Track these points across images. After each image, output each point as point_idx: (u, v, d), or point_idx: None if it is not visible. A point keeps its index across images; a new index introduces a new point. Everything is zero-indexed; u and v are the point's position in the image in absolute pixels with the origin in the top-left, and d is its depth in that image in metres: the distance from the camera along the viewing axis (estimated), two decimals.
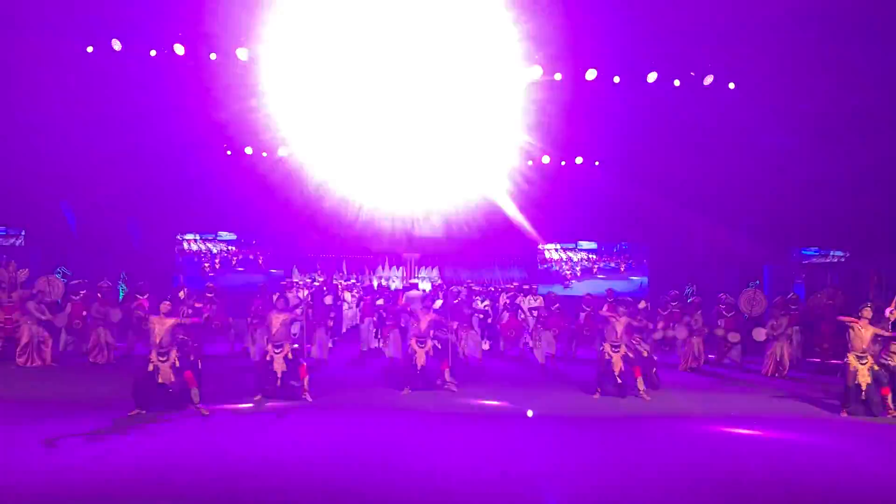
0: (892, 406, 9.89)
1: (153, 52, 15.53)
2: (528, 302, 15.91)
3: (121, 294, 21.80)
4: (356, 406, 9.93)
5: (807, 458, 7.69)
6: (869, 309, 10.27)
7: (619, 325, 11.24)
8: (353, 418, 9.19)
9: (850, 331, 10.17)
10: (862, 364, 9.95)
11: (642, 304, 13.38)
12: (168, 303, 9.72)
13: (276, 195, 27.49)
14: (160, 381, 9.03)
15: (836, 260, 22.66)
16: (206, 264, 28.28)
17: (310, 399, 10.26)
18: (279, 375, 10.18)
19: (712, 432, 8.83)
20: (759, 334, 13.79)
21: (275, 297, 11.57)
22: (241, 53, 15.73)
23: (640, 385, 11.14)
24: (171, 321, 9.37)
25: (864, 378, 9.87)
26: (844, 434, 8.85)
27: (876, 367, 9.95)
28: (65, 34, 14.80)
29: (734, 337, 14.40)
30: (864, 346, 10.00)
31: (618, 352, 11.08)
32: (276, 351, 10.28)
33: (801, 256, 24.46)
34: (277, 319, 10.45)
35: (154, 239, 27.31)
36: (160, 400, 9.12)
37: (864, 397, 9.89)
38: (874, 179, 20.44)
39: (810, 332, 15.11)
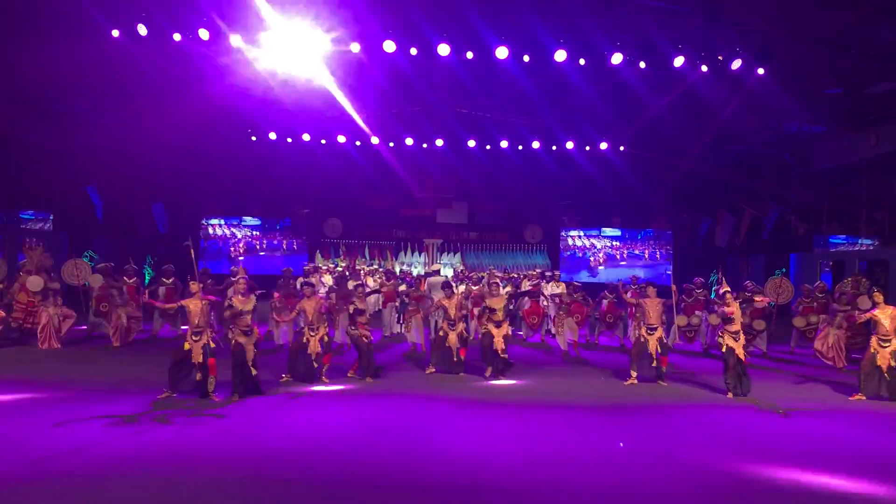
0: None
1: (177, 37, 15.57)
2: (550, 288, 15.87)
3: (147, 278, 22.09)
4: (379, 390, 9.97)
5: (836, 445, 7.61)
6: (879, 293, 10.28)
7: (653, 306, 11.12)
8: (373, 401, 9.24)
9: (872, 320, 10.14)
10: (883, 347, 9.92)
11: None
12: (198, 283, 9.84)
13: (300, 180, 27.72)
14: (193, 361, 9.15)
15: (863, 248, 22.31)
16: (232, 248, 28.55)
17: (327, 381, 10.43)
18: (313, 358, 10.36)
19: (739, 420, 8.76)
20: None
21: (299, 283, 11.68)
22: (265, 38, 15.72)
23: (663, 371, 11.16)
24: (204, 301, 9.49)
25: (885, 360, 9.86)
26: (865, 420, 8.74)
27: None
28: (91, 19, 14.90)
29: (759, 325, 14.23)
30: (886, 330, 9.93)
31: (653, 334, 10.97)
32: (311, 334, 10.40)
33: (828, 244, 24.13)
34: (310, 305, 10.55)
35: (180, 223, 27.61)
36: (191, 383, 9.23)
37: (888, 378, 9.87)
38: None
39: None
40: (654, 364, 10.97)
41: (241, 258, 27.81)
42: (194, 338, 9.23)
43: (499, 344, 11.21)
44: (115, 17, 15.17)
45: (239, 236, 28.66)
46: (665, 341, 11.26)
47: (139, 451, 6.79)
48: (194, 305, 9.40)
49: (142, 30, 15.26)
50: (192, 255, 10.16)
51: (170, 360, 9.31)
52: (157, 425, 7.71)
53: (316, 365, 10.41)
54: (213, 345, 9.30)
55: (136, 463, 6.44)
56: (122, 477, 6.07)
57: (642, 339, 11.05)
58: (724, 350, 9.99)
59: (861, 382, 10.11)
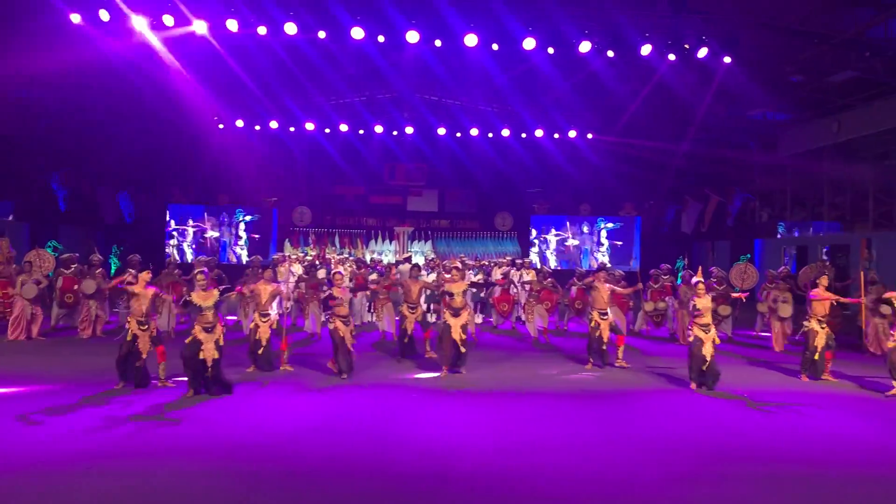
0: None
1: (139, 22, 15.28)
2: (520, 276, 15.96)
3: (113, 268, 21.75)
4: (349, 380, 9.96)
5: (793, 426, 7.79)
6: (826, 278, 10.91)
7: (604, 292, 11.37)
8: (343, 392, 9.24)
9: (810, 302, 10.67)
10: (821, 328, 10.43)
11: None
12: (148, 272, 9.67)
13: (269, 168, 27.46)
14: (140, 349, 9.06)
15: (826, 233, 22.76)
16: (203, 238, 28.19)
17: (290, 369, 10.50)
18: (263, 345, 10.38)
19: (704, 404, 8.92)
20: (786, 310, 13.90)
21: (287, 268, 11.60)
22: (231, 25, 15.51)
23: (621, 354, 11.47)
24: (150, 291, 9.35)
25: (821, 341, 10.40)
26: (826, 403, 8.96)
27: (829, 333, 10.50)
28: (50, 2, 14.53)
29: (725, 310, 14.47)
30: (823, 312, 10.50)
31: (605, 319, 11.25)
32: (262, 320, 10.42)
33: (793, 230, 24.57)
34: (266, 290, 10.57)
35: (145, 212, 27.26)
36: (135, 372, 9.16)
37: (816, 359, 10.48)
38: (862, 155, 20.53)
39: (802, 305, 15.23)
40: (605, 350, 11.26)
41: (205, 248, 27.50)
42: (141, 327, 9.13)
43: (456, 334, 10.51)
44: (75, 1, 14.82)
45: (207, 226, 28.30)
46: (618, 325, 11.68)
47: (104, 445, 6.72)
48: (143, 294, 9.26)
49: (104, 15, 14.94)
50: (95, 250, 9.84)
51: (118, 352, 9.18)
52: (122, 419, 7.62)
53: (264, 351, 10.41)
54: (153, 332, 9.23)
55: (102, 457, 6.37)
56: (87, 472, 6.00)
57: (593, 324, 11.29)
58: (691, 341, 9.90)
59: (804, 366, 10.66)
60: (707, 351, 9.63)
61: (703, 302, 9.92)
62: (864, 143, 19.81)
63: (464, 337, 10.58)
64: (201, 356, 8.61)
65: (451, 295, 10.75)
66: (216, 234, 28.32)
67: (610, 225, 28.96)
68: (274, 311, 11.42)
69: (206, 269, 9.44)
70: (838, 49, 16.88)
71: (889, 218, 20.26)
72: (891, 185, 20.35)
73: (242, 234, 28.44)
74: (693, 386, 9.78)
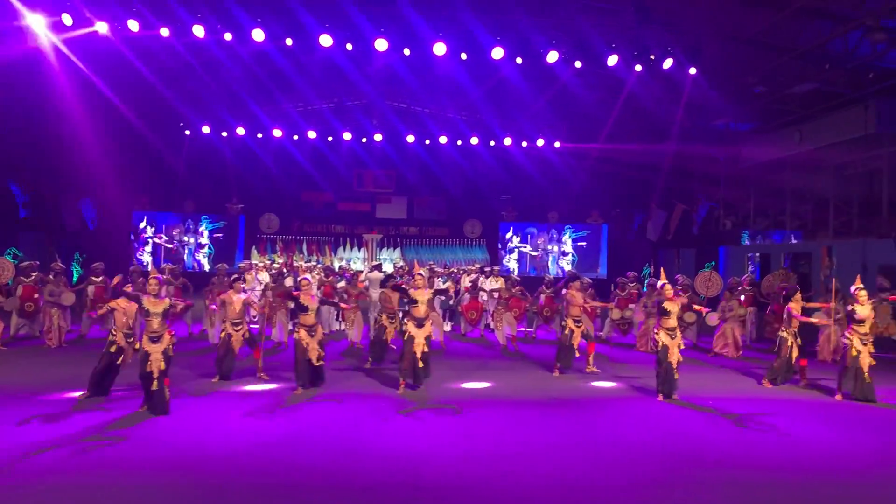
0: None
1: (103, 27, 15.08)
2: (489, 283, 15.99)
3: (75, 276, 21.37)
4: (316, 390, 9.88)
5: (757, 433, 7.91)
6: (799, 293, 11.33)
7: (578, 299, 11.44)
8: (311, 402, 9.14)
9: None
10: (795, 340, 10.75)
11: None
12: (120, 279, 9.51)
13: (235, 174, 27.21)
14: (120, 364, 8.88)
15: (789, 241, 23.18)
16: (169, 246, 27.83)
17: (266, 377, 10.37)
18: (237, 354, 10.28)
19: (668, 411, 9.01)
20: (712, 319, 14.01)
21: (233, 279, 11.45)
22: (198, 31, 15.37)
23: (591, 360, 11.67)
24: (134, 305, 9.09)
25: (795, 351, 10.70)
26: (788, 409, 9.12)
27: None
28: (6, 6, 14.26)
29: (690, 317, 14.63)
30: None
31: (580, 326, 11.38)
32: (234, 329, 10.28)
33: (757, 238, 24.98)
34: (238, 299, 10.46)
35: (109, 219, 26.79)
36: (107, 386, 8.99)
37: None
38: (823, 165, 20.94)
39: (765, 312, 15.49)
40: (577, 355, 11.49)
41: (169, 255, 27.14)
42: (128, 340, 8.95)
43: (419, 347, 9.90)
44: (35, 4, 14.56)
45: (175, 233, 27.95)
46: (590, 332, 11.86)
47: (67, 459, 6.58)
48: (127, 306, 9.08)
49: (67, 19, 14.71)
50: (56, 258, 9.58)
51: (99, 362, 8.98)
52: (85, 433, 7.47)
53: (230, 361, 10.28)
54: (137, 345, 9.01)
55: (65, 471, 6.23)
56: (50, 487, 5.87)
57: (567, 331, 11.37)
58: (659, 348, 9.83)
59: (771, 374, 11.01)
60: (674, 357, 9.68)
61: (672, 306, 9.98)
62: (824, 153, 20.22)
63: (426, 350, 10.00)
64: (148, 368, 8.16)
65: (415, 303, 10.15)
66: (181, 242, 27.98)
67: (578, 234, 29.21)
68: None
69: (159, 275, 9.09)
70: (799, 61, 17.24)
71: (848, 227, 20.70)
72: (850, 195, 20.81)
73: (207, 241, 28.13)
74: (660, 398, 9.64)
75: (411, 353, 9.85)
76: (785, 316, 10.92)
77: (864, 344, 9.84)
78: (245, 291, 10.75)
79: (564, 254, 29.17)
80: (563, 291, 12.05)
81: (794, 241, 22.87)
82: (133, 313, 9.05)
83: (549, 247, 29.41)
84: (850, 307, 10.11)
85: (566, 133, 25.26)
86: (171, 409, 8.27)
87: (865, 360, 9.74)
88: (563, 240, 29.23)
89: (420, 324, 10.02)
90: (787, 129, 20.86)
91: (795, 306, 10.82)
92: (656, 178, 26.02)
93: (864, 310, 9.89)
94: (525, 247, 29.10)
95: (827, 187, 21.36)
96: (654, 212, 27.45)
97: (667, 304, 9.91)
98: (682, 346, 9.93)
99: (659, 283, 10.39)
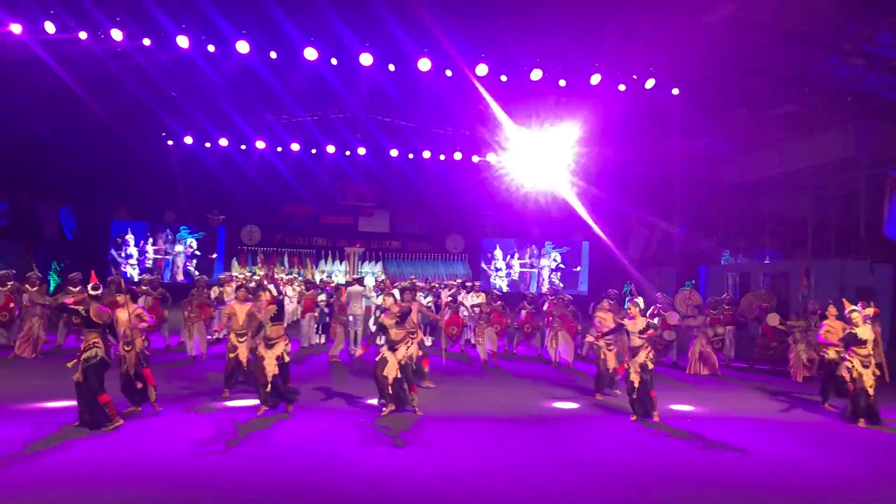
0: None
1: (83, 35, 15.00)
2: (470, 299, 15.98)
3: (52, 285, 21.12)
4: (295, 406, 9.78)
5: (735, 452, 7.93)
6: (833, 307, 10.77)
7: (609, 321, 10.85)
8: (290, 418, 9.05)
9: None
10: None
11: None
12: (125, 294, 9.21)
13: (217, 185, 27.05)
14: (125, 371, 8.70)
15: (767, 261, 23.41)
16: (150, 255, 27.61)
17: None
18: (244, 366, 10.02)
19: (648, 431, 9.01)
20: (673, 318, 14.09)
21: (234, 288, 11.19)
22: (182, 41, 15.32)
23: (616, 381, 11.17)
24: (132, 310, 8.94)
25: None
26: (768, 429, 9.16)
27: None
28: None
29: (670, 335, 14.71)
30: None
31: (612, 350, 10.89)
32: (240, 341, 10.06)
33: (736, 257, 25.21)
34: (242, 310, 10.17)
35: (88, 228, 26.55)
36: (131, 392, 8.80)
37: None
38: (802, 186, 21.22)
39: (744, 331, 15.60)
40: (615, 378, 11.00)
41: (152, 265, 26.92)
42: (126, 348, 8.76)
43: (391, 372, 9.20)
44: (17, 11, 14.43)
45: (160, 244, 27.75)
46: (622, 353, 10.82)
47: (41, 471, 6.46)
48: (122, 315, 8.89)
49: (49, 27, 14.60)
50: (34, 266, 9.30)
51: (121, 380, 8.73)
52: (55, 445, 7.34)
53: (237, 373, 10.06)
54: (147, 353, 8.88)
55: (38, 484, 6.12)
56: (24, 499, 5.76)
57: (602, 356, 10.93)
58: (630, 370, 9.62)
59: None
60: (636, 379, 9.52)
61: (637, 324, 9.82)
62: (803, 174, 20.50)
63: (398, 377, 9.25)
64: (75, 378, 8.01)
65: (385, 329, 9.54)
66: (160, 252, 27.77)
67: (558, 251, 29.35)
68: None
69: (98, 282, 8.83)
70: (779, 83, 17.50)
71: (826, 248, 20.95)
72: (828, 216, 21.07)
73: (184, 250, 27.93)
74: (633, 418, 9.49)
75: (381, 377, 9.22)
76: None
77: (866, 366, 9.61)
78: (249, 301, 10.45)
79: (554, 270, 29.30)
80: (593, 314, 11.68)
81: (771, 262, 23.10)
82: (126, 321, 8.83)
83: (531, 262, 29.50)
84: (846, 329, 9.94)
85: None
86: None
87: (868, 382, 9.58)
88: (553, 256, 29.38)
89: (393, 347, 9.33)
90: (767, 150, 21.13)
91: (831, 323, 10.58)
92: (637, 197, 26.20)
93: (864, 331, 9.72)
94: (515, 258, 29.20)
95: (806, 209, 21.63)
96: (636, 230, 27.63)
97: (629, 324, 9.78)
98: (660, 360, 9.88)
99: (633, 300, 10.28)
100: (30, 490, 6.00)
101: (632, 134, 21.24)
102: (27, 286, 13.96)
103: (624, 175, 24.87)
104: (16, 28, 14.54)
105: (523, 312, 15.53)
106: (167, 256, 27.73)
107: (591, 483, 6.75)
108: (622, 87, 17.21)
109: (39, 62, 15.87)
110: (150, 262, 27.49)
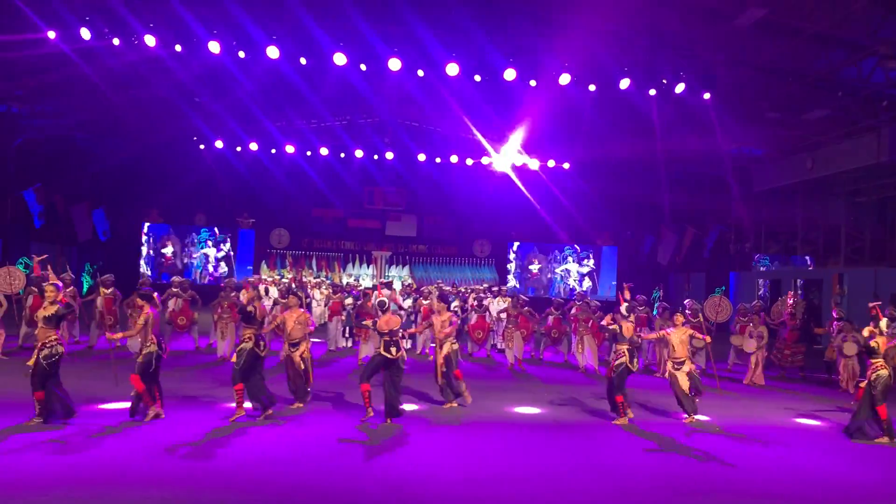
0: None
1: (117, 41, 15.27)
2: (496, 304, 15.94)
3: (85, 286, 21.49)
4: (318, 408, 9.83)
5: (758, 461, 7.81)
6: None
7: (678, 335, 10.13)
8: (315, 420, 9.10)
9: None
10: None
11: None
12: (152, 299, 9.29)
13: (247, 189, 27.38)
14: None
15: (799, 268, 23.08)
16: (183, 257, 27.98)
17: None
18: (301, 374, 9.82)
19: (679, 438, 8.91)
20: (750, 345, 13.87)
21: (282, 291, 11.04)
22: (213, 47, 15.53)
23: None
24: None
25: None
26: (793, 439, 9.01)
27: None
28: (26, 18, 14.42)
29: (699, 342, 14.50)
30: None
31: (680, 369, 9.97)
32: (292, 350, 9.82)
33: (768, 263, 24.88)
34: (291, 317, 9.93)
35: (120, 230, 26.99)
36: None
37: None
38: (835, 191, 20.86)
39: (774, 338, 15.36)
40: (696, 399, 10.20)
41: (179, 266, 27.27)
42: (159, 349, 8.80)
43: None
44: (52, 18, 14.73)
45: (193, 247, 28.18)
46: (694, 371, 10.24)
47: (42, 472, 6.58)
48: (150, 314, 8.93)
49: (84, 33, 14.89)
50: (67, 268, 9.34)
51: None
52: (62, 446, 7.43)
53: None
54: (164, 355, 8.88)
55: (40, 486, 6.23)
56: (29, 500, 5.86)
57: (671, 378, 10.12)
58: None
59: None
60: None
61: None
62: (836, 180, 20.16)
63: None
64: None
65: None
66: (192, 254, 28.14)
67: (585, 255, 29.20)
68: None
69: (59, 283, 8.89)
70: (812, 88, 17.24)
71: (860, 254, 20.58)
72: (861, 222, 20.70)
73: (214, 253, 28.27)
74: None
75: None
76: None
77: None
78: (301, 307, 10.34)
79: (583, 275, 29.18)
80: (660, 330, 11.35)
81: (805, 268, 22.76)
82: (153, 321, 8.89)
83: (556, 268, 29.40)
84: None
85: (577, 155, 25.27)
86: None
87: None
88: (583, 262, 29.28)
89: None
90: (800, 154, 20.82)
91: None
92: (667, 201, 26.00)
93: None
94: (542, 262, 29.13)
95: (838, 214, 21.28)
96: (665, 235, 27.38)
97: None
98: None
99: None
100: (33, 490, 6.10)
101: (658, 138, 21.05)
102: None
103: (653, 179, 24.67)
104: (51, 34, 14.83)
105: (550, 318, 15.44)
106: (193, 259, 28.08)
107: (619, 490, 6.70)
108: (652, 92, 17.08)
109: (74, 67, 16.20)
110: (180, 263, 27.85)
